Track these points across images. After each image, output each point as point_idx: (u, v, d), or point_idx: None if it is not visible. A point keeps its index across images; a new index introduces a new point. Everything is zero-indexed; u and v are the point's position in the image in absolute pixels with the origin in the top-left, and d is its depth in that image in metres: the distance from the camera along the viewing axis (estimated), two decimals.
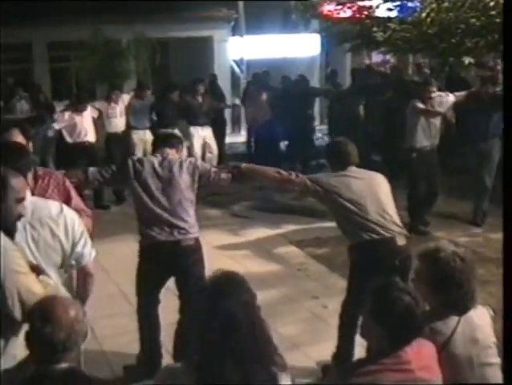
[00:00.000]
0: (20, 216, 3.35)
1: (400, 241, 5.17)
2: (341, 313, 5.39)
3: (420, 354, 2.93)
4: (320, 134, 16.81)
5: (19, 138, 4.26)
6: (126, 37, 16.95)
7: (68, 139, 10.95)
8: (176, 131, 12.03)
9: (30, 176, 3.84)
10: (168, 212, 5.20)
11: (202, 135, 12.24)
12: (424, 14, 11.29)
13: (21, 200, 3.29)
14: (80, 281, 3.97)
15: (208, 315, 2.59)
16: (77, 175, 5.23)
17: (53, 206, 3.72)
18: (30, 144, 4.37)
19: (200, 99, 12.26)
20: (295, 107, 13.46)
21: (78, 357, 2.90)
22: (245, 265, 7.54)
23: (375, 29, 12.29)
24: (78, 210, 4.22)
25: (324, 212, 8.95)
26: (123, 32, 16.85)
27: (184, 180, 5.25)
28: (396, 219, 5.29)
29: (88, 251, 3.85)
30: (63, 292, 3.65)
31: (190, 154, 11.50)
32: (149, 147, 10.18)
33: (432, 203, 9.34)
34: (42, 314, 2.68)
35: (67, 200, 4.33)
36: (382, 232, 5.10)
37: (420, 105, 9.00)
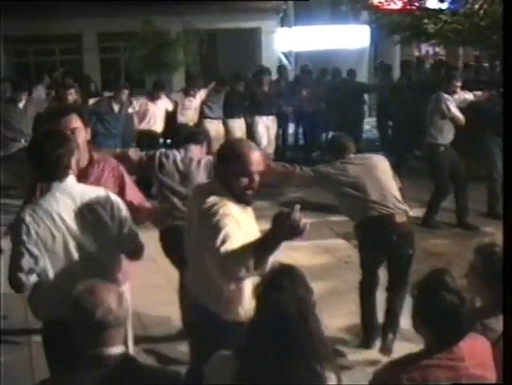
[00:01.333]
0: None
1: (400, 218, 5.49)
2: (359, 290, 5.86)
3: (475, 350, 2.87)
4: (369, 126, 16.67)
5: (78, 123, 4.26)
6: (175, 28, 17.03)
7: (137, 125, 11.26)
8: (242, 120, 12.23)
9: (72, 160, 3.83)
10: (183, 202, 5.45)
11: (266, 124, 12.52)
12: (476, 6, 11.12)
13: None
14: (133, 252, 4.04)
15: (260, 305, 2.58)
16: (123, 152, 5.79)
17: (100, 191, 3.81)
18: (88, 130, 4.36)
19: (266, 88, 12.55)
20: (343, 99, 13.37)
21: (126, 342, 2.95)
22: (293, 256, 7.50)
23: (426, 20, 12.15)
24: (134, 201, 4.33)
25: None
26: (173, 23, 16.95)
27: (201, 176, 5.65)
28: (398, 196, 5.62)
29: (134, 228, 3.94)
30: None
31: (254, 142, 11.59)
32: (221, 138, 10.35)
33: (464, 197, 9.17)
34: (90, 298, 2.75)
35: (121, 187, 4.34)
36: (381, 210, 5.47)
37: (453, 108, 8.89)
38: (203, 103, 12.16)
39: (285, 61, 20.28)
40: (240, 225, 3.49)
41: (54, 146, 3.61)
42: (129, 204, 4.09)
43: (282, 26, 20.87)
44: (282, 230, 3.24)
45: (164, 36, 16.65)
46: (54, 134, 3.79)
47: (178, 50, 16.72)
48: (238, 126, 12.33)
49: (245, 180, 3.60)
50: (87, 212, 3.66)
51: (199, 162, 5.80)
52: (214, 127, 11.98)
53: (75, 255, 3.64)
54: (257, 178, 3.64)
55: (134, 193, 4.47)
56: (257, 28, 20.53)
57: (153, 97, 11.40)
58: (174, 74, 17.03)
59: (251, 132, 12.33)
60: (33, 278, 3.56)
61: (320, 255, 7.97)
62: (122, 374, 2.74)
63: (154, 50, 16.26)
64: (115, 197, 3.85)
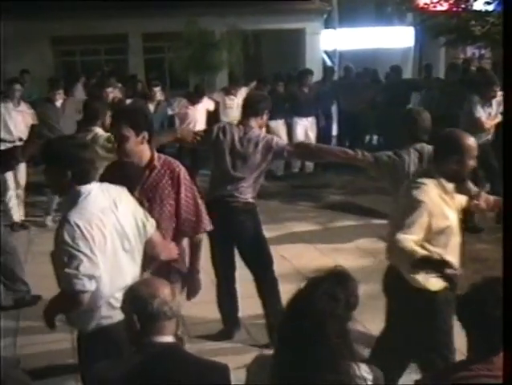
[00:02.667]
0: None
1: None
2: None
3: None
4: None
5: (128, 131, 4.29)
6: (219, 28, 17.10)
7: (177, 127, 11.18)
8: (283, 122, 12.22)
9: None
10: (233, 181, 5.59)
11: (305, 125, 12.54)
12: None
13: None
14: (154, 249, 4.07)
15: (302, 305, 2.58)
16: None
17: (117, 187, 3.86)
18: (144, 134, 4.40)
19: (306, 90, 12.57)
20: (389, 98, 13.27)
21: (176, 333, 3.04)
22: (335, 258, 7.51)
23: (472, 22, 12.01)
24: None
25: None
26: (217, 24, 17.02)
27: (256, 158, 5.58)
28: None
29: (150, 222, 3.97)
30: None
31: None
32: None
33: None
34: (147, 289, 2.87)
35: (177, 193, 4.38)
36: None
37: (480, 111, 8.88)
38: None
39: (329, 62, 20.23)
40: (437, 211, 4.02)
41: (91, 153, 3.72)
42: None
43: (327, 27, 20.82)
44: None
45: (209, 36, 16.73)
46: (88, 142, 3.90)
47: (222, 51, 16.79)
48: (280, 127, 12.32)
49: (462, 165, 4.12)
50: (119, 208, 3.70)
51: (257, 143, 5.63)
52: None
53: (120, 252, 3.67)
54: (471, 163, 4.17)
55: (187, 199, 4.48)
56: (301, 29, 20.52)
57: (194, 101, 11.39)
58: (218, 74, 17.11)
59: (290, 133, 12.33)
60: (94, 284, 3.47)
61: (363, 258, 7.93)
62: (173, 364, 2.84)
63: (198, 50, 16.34)
64: (131, 197, 3.96)
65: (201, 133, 5.82)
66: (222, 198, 5.62)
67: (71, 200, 3.60)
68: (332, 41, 20.48)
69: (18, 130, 9.37)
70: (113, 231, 3.62)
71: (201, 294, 6.49)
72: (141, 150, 4.30)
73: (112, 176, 4.19)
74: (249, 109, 5.77)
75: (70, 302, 3.53)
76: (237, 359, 4.85)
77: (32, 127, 9.71)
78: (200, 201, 4.61)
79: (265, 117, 5.83)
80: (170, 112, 11.37)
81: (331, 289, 2.59)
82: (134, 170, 4.31)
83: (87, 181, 3.62)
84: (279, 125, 12.26)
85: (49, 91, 10.75)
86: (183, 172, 4.48)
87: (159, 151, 4.55)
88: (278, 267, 7.27)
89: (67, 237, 3.42)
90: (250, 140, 5.62)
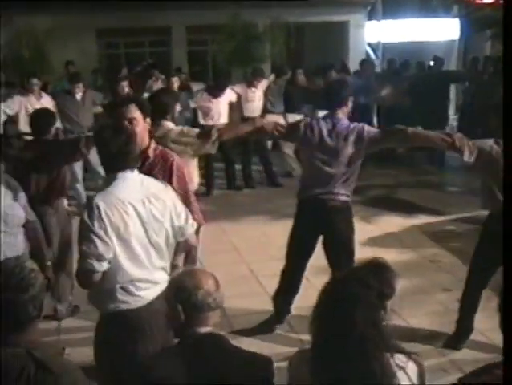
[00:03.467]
0: None
1: None
2: (464, 289, 5.59)
3: None
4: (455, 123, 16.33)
5: (136, 113, 4.37)
6: (263, 21, 17.07)
7: (201, 121, 11.05)
8: (301, 116, 12.16)
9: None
10: (326, 178, 5.39)
11: None
12: None
13: None
14: (187, 249, 4.16)
15: (336, 296, 2.58)
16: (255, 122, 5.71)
17: (159, 182, 3.94)
18: (148, 120, 4.48)
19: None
20: (429, 93, 13.12)
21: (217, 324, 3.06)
22: (377, 253, 7.45)
23: None
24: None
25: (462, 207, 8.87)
26: (260, 16, 16.99)
27: (348, 151, 5.36)
28: None
29: (190, 224, 4.01)
30: None
31: None
32: None
33: None
34: (191, 280, 2.90)
35: (168, 183, 4.37)
36: None
37: None
38: (265, 96, 11.96)
39: (372, 55, 20.10)
40: None
41: (128, 140, 3.75)
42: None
43: (370, 19, 20.67)
44: None
45: (252, 29, 16.71)
46: (126, 128, 3.96)
47: (265, 44, 16.77)
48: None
49: None
50: (154, 203, 3.74)
51: (347, 136, 5.35)
52: None
53: (145, 243, 3.71)
54: None
55: (178, 190, 4.45)
56: (345, 22, 20.39)
57: (215, 94, 11.07)
58: (260, 66, 17.11)
59: None
60: (105, 265, 3.56)
61: (404, 253, 7.89)
62: (216, 355, 2.86)
63: (241, 43, 16.34)
64: (172, 190, 3.99)
65: (283, 125, 5.64)
66: (317, 197, 5.46)
67: (105, 183, 3.76)
68: (376, 33, 20.32)
69: None
70: (138, 222, 3.68)
71: (239, 286, 6.58)
72: (144, 136, 4.43)
73: None
74: (334, 99, 5.50)
75: (81, 280, 3.66)
76: (277, 352, 4.90)
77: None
78: (193, 197, 4.67)
79: (350, 104, 5.54)
80: (192, 105, 11.18)
81: (364, 277, 2.61)
82: None
83: (119, 168, 3.71)
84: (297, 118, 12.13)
85: (70, 84, 10.87)
86: (176, 163, 4.55)
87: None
88: (318, 260, 7.29)
89: (86, 217, 3.56)
90: (340, 133, 5.38)
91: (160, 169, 4.46)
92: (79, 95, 10.48)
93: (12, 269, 2.53)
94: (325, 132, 5.37)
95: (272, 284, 6.74)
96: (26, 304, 2.49)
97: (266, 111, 11.88)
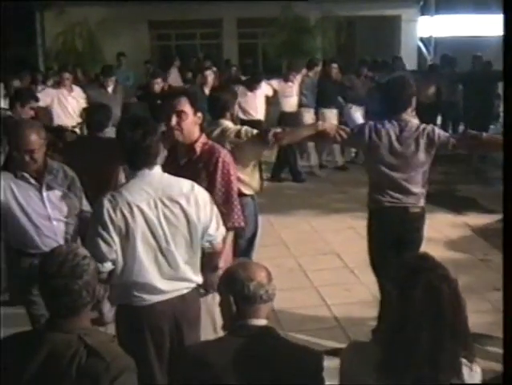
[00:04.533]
0: None
1: None
2: None
3: None
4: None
5: (186, 106, 4.34)
6: (314, 14, 17.02)
7: (241, 115, 10.91)
8: (335, 110, 12.05)
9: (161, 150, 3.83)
10: (400, 185, 5.06)
11: (360, 113, 12.27)
12: None
13: None
14: (210, 257, 3.96)
15: (408, 289, 2.53)
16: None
17: (184, 183, 3.73)
18: (199, 114, 4.39)
19: (363, 80, 12.47)
20: (479, 90, 12.93)
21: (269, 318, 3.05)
22: (426, 250, 7.38)
23: None
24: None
25: None
26: (312, 9, 16.93)
27: (420, 156, 5.00)
28: None
29: (220, 232, 3.88)
30: None
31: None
32: None
33: None
34: (244, 272, 2.89)
35: (212, 179, 4.36)
36: None
37: None
38: (300, 89, 11.82)
39: (424, 50, 19.88)
40: None
41: (145, 134, 3.58)
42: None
43: (423, 14, 20.43)
44: None
45: (303, 22, 16.69)
46: (145, 122, 3.74)
47: (316, 37, 16.73)
48: (332, 115, 12.00)
49: None
50: (168, 206, 3.60)
51: (417, 140, 4.98)
52: (311, 117, 11.77)
53: (153, 249, 3.60)
54: None
55: (220, 188, 4.42)
56: (397, 16, 20.21)
57: (251, 87, 10.95)
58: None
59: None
60: (108, 266, 3.48)
61: (453, 250, 7.79)
62: (266, 347, 2.85)
63: (292, 36, 16.33)
64: (203, 193, 3.79)
65: (346, 129, 5.16)
66: (394, 206, 5.12)
67: (127, 179, 3.71)
68: (428, 28, 20.08)
69: (76, 115, 9.61)
70: (144, 225, 3.55)
71: (287, 280, 6.57)
72: (192, 130, 4.37)
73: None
74: (397, 100, 5.10)
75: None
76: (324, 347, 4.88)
77: (84, 110, 10.03)
78: (234, 196, 4.50)
79: (414, 102, 5.16)
80: None
81: (422, 266, 2.57)
82: (177, 149, 4.42)
83: (138, 165, 3.61)
84: (331, 113, 12.05)
85: (102, 77, 10.97)
86: (223, 159, 4.42)
87: None
88: (368, 257, 7.23)
89: (91, 217, 3.60)
90: (409, 137, 5.00)
91: (205, 165, 4.36)
92: (110, 88, 10.57)
93: (65, 255, 2.55)
94: (393, 136, 5.00)
95: (319, 278, 6.75)
96: (79, 290, 2.51)
97: (300, 105, 11.83)
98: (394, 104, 5.12)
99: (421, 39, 20.44)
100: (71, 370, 2.43)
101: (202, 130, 4.59)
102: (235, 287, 2.89)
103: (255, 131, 5.14)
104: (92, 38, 16.02)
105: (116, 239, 3.49)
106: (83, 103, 9.99)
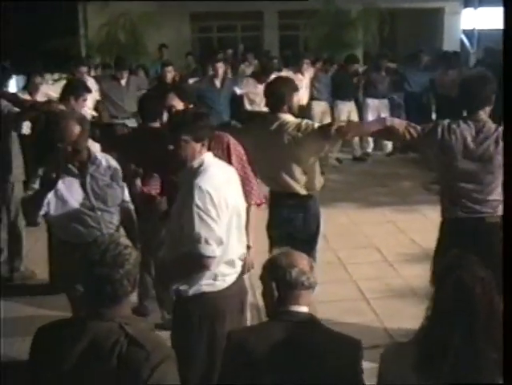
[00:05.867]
0: None
1: None
2: None
3: None
4: None
5: (176, 101, 4.31)
6: (356, 7, 16.91)
7: (247, 106, 10.95)
8: (352, 104, 11.99)
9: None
10: (475, 190, 4.59)
11: (378, 107, 12.25)
12: None
13: None
14: None
15: (441, 290, 2.52)
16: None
17: (227, 166, 3.89)
18: (191, 107, 4.38)
19: (383, 73, 12.32)
20: None
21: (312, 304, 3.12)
22: None
23: None
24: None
25: None
26: (354, 2, 16.82)
27: (498, 160, 4.43)
28: None
29: (245, 206, 3.99)
30: None
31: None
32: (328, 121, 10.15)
33: None
34: (286, 260, 2.97)
35: (229, 163, 4.35)
36: None
37: None
38: (311, 83, 11.81)
39: (467, 43, 19.63)
40: None
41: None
42: None
43: (466, 6, 20.17)
44: None
45: (345, 15, 16.58)
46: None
47: (358, 30, 16.61)
48: (347, 108, 11.99)
49: None
50: (233, 186, 3.75)
51: (497, 140, 4.48)
52: (321, 110, 11.77)
53: (230, 228, 3.68)
54: None
55: (239, 164, 4.48)
56: (440, 8, 19.98)
57: (261, 80, 10.62)
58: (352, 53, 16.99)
59: (360, 115, 12.14)
60: (220, 250, 3.56)
61: None
62: (307, 333, 2.91)
63: (334, 28, 16.22)
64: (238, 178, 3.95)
65: (416, 127, 4.68)
66: (472, 216, 4.62)
67: (196, 166, 3.69)
68: (471, 21, 19.82)
69: (88, 107, 9.65)
70: (230, 205, 3.65)
71: (326, 273, 6.55)
72: None
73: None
74: (474, 98, 4.59)
75: (195, 267, 3.60)
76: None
77: (97, 103, 10.07)
78: (251, 174, 4.55)
79: (493, 100, 4.60)
80: (238, 92, 10.87)
81: (456, 264, 2.56)
82: None
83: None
84: (345, 106, 11.99)
85: (115, 69, 10.94)
86: (233, 142, 4.48)
87: None
88: (408, 249, 7.20)
89: (198, 201, 3.49)
90: (487, 139, 4.50)
91: (217, 152, 4.33)
92: (123, 81, 10.54)
93: (108, 245, 2.58)
94: (469, 138, 4.52)
95: (358, 272, 6.73)
96: (121, 279, 2.53)
97: (312, 98, 11.80)
98: (471, 101, 4.61)
99: (464, 32, 20.19)
100: (112, 359, 2.45)
101: None
102: (278, 273, 2.96)
103: (316, 125, 4.90)
104: (135, 29, 16.09)
105: (219, 221, 3.54)
106: (96, 95, 10.11)
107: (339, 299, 6.13)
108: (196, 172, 3.62)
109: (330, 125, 4.79)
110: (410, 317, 5.00)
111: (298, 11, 18.12)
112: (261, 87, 10.70)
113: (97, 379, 2.47)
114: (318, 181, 5.13)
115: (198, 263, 3.55)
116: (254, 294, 4.81)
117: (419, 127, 4.66)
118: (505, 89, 3.31)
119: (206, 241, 3.47)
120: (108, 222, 4.57)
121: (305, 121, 4.94)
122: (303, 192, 4.97)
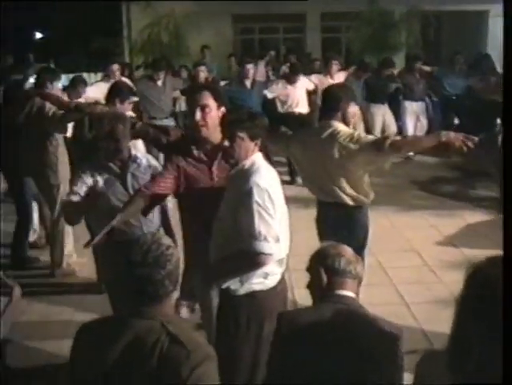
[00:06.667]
0: None
1: None
2: None
3: None
4: None
5: (209, 100, 4.22)
6: (399, 9, 16.80)
7: (280, 109, 10.88)
8: (385, 107, 11.90)
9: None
10: None
11: (415, 110, 12.16)
12: None
13: None
14: None
15: (465, 287, 2.48)
16: None
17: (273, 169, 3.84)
18: (222, 109, 4.27)
19: (417, 76, 12.21)
20: None
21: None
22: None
23: None
24: None
25: None
26: (398, 3, 16.72)
27: None
28: None
29: None
30: None
31: (399, 129, 11.74)
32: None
33: None
34: (334, 250, 3.21)
35: None
36: None
37: None
38: None
39: None
40: None
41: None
42: None
43: None
44: None
45: (388, 17, 16.49)
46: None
47: (401, 32, 16.51)
48: (381, 112, 11.89)
49: None
50: (280, 188, 3.75)
51: None
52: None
53: (283, 225, 3.70)
54: None
55: None
56: (484, 11, 19.74)
57: (291, 80, 10.85)
58: (395, 55, 16.87)
59: (396, 118, 12.05)
60: (277, 248, 3.57)
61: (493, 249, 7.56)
62: (352, 317, 3.07)
63: (378, 30, 16.16)
64: None
65: (474, 139, 4.47)
66: None
67: (248, 165, 3.69)
68: None
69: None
70: (280, 204, 3.66)
71: (366, 276, 6.50)
72: (216, 124, 4.19)
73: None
74: None
75: (252, 264, 3.60)
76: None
77: (134, 104, 10.08)
78: None
79: None
80: (269, 96, 10.77)
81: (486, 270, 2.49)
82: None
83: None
84: (379, 109, 11.88)
85: (152, 70, 10.97)
86: None
87: None
88: (449, 254, 7.13)
89: (258, 199, 3.49)
90: None
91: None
92: (160, 81, 10.58)
93: (150, 245, 2.59)
94: None
95: (399, 276, 6.67)
96: (162, 280, 2.54)
97: None
98: None
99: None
100: (153, 357, 2.46)
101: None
102: (326, 261, 3.16)
103: (370, 137, 4.77)
104: (178, 30, 16.21)
105: (276, 219, 3.55)
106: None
107: (378, 302, 6.06)
108: (249, 171, 3.63)
109: (385, 139, 4.66)
110: (450, 323, 4.97)
111: (341, 13, 18.07)
112: (291, 88, 10.84)
113: (137, 377, 2.47)
114: (368, 193, 4.97)
115: (255, 260, 3.55)
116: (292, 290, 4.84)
117: (476, 138, 4.49)
118: (504, 89, 3.27)
119: (265, 238, 3.47)
120: (149, 221, 4.61)
121: (358, 132, 4.84)
122: (351, 203, 4.86)
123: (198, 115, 4.18)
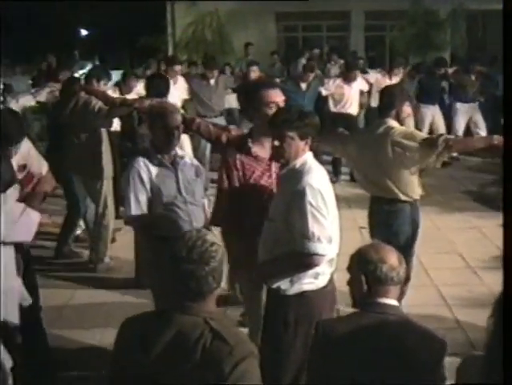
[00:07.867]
0: None
1: None
2: None
3: None
4: None
5: (280, 98, 4.22)
6: (445, 7, 16.63)
7: (332, 108, 10.81)
8: (435, 108, 11.73)
9: None
10: None
11: (468, 112, 11.96)
12: None
13: None
14: None
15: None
16: None
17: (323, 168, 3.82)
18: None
19: (472, 77, 12.00)
20: None
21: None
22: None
23: None
24: None
25: None
26: (442, 3, 16.55)
27: None
28: None
29: None
30: None
31: (449, 129, 11.53)
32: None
33: None
34: (376, 254, 3.00)
35: None
36: None
37: None
38: None
39: None
40: None
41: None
42: None
43: None
44: None
45: (433, 16, 16.34)
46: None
47: (446, 31, 16.34)
48: (430, 112, 11.73)
49: None
50: (330, 187, 3.72)
51: None
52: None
53: (335, 227, 3.69)
54: None
55: None
56: None
57: (348, 79, 10.75)
58: (440, 55, 16.73)
59: (449, 119, 11.88)
60: (330, 248, 3.58)
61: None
62: (395, 325, 2.95)
63: (423, 29, 16.02)
64: None
65: None
66: None
67: (299, 165, 3.68)
68: None
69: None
70: (332, 204, 3.65)
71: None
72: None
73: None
74: None
75: (304, 265, 3.61)
76: None
77: (185, 101, 10.16)
78: None
79: None
80: (324, 93, 10.74)
81: None
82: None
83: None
84: (429, 110, 11.73)
85: (205, 68, 11.01)
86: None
87: None
88: (492, 257, 7.04)
89: (311, 199, 3.50)
90: None
91: None
92: (212, 80, 10.59)
93: (194, 241, 2.60)
94: None
95: (440, 277, 6.62)
96: (206, 276, 2.55)
97: None
98: None
99: None
100: (196, 352, 2.47)
101: None
102: (368, 267, 2.98)
103: (424, 135, 4.88)
104: (221, 28, 16.27)
105: (329, 220, 3.56)
106: (185, 94, 10.25)
107: (419, 304, 6.04)
108: (302, 171, 3.63)
109: (438, 137, 4.73)
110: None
111: (385, 12, 17.97)
112: (347, 87, 10.72)
113: (180, 372, 2.49)
114: (419, 189, 5.09)
115: (309, 261, 3.57)
116: None
117: None
118: (505, 90, 3.22)
119: (318, 239, 3.49)
120: (198, 216, 4.64)
121: (411, 129, 4.97)
122: (403, 198, 4.96)
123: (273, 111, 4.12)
